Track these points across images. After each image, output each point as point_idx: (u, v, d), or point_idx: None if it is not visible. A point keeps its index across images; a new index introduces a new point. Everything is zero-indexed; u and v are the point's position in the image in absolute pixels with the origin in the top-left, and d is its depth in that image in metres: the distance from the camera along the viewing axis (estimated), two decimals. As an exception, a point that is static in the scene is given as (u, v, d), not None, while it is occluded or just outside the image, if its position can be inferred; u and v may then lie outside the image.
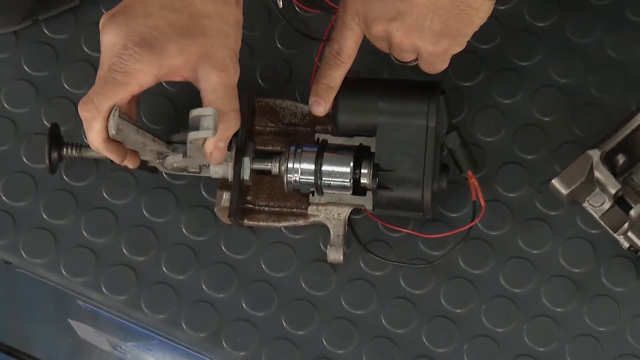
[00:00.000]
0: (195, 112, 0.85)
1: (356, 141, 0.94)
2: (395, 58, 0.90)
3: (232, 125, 0.86)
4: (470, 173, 0.93)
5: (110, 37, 0.82)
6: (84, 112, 0.82)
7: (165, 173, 0.98)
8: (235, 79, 0.86)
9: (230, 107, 0.85)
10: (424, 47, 0.87)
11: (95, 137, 0.83)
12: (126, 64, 0.81)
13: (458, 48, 0.88)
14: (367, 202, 0.93)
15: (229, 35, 0.85)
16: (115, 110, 0.82)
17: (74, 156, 0.94)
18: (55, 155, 0.94)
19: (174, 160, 0.90)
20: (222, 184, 0.95)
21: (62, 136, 0.95)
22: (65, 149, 0.94)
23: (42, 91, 1.00)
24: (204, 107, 0.85)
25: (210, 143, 0.86)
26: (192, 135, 0.85)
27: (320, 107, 0.91)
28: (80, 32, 1.01)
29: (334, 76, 0.90)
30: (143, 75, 0.82)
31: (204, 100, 0.85)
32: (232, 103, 0.85)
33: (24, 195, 0.98)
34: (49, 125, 0.94)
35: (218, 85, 0.84)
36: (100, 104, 0.81)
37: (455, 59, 0.90)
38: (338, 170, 0.90)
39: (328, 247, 0.94)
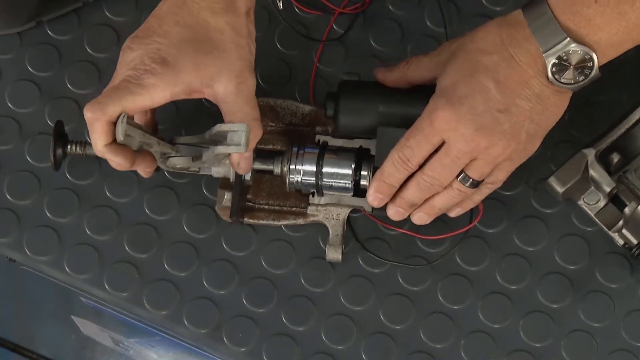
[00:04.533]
0: (224, 127, 0.85)
1: (356, 143, 0.95)
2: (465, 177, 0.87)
3: (256, 135, 0.87)
4: None
5: (129, 56, 0.84)
6: (88, 112, 0.83)
7: (166, 171, 0.99)
8: (253, 89, 0.87)
9: (252, 117, 0.86)
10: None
11: (97, 139, 0.84)
12: (141, 76, 0.83)
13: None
14: (366, 203, 0.93)
15: (243, 47, 0.86)
16: (124, 116, 0.82)
17: (78, 153, 0.95)
18: (60, 152, 0.95)
19: (181, 163, 0.91)
20: (223, 183, 0.96)
21: (67, 134, 0.96)
22: (69, 146, 0.95)
23: (46, 91, 1.01)
24: (226, 120, 0.85)
25: (237, 155, 0.87)
26: (220, 149, 0.86)
27: (382, 202, 0.90)
28: (83, 33, 1.02)
29: (400, 178, 0.87)
30: (156, 89, 0.83)
31: (226, 113, 0.86)
32: (254, 113, 0.86)
33: (28, 194, 0.99)
34: (53, 124, 0.95)
35: (238, 97, 0.85)
36: (106, 107, 0.82)
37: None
38: (339, 172, 0.91)
39: (327, 246, 0.95)
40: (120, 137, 0.82)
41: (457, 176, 0.86)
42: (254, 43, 0.88)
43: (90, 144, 0.95)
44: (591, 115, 1.00)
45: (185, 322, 0.97)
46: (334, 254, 0.95)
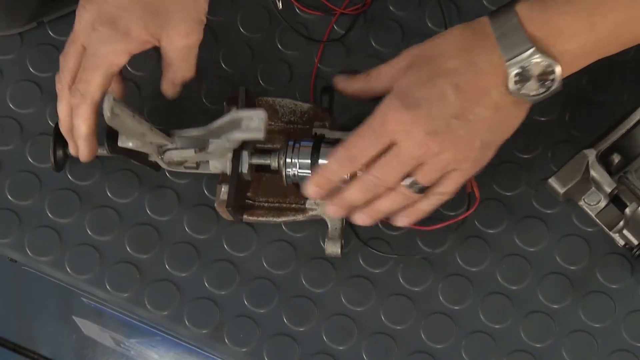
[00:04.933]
0: (242, 114, 0.87)
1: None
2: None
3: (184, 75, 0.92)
4: None
5: (84, 18, 0.88)
6: (74, 99, 0.88)
7: (167, 172, 0.99)
8: (196, 43, 0.90)
9: (188, 73, 0.92)
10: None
11: (82, 123, 0.89)
12: (97, 47, 0.87)
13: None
14: None
15: (189, 7, 0.89)
16: (109, 94, 0.85)
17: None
18: (60, 153, 0.95)
19: (179, 156, 0.91)
20: (222, 179, 0.96)
21: None
22: (70, 147, 0.95)
23: (47, 92, 1.01)
24: (165, 65, 0.91)
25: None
26: (238, 135, 0.88)
27: (320, 195, 0.87)
28: None
29: (342, 175, 0.85)
30: (114, 54, 0.87)
31: (165, 59, 0.90)
32: (190, 69, 0.92)
33: (29, 194, 0.99)
34: (54, 125, 0.95)
35: (182, 46, 0.89)
36: (85, 91, 0.87)
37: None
38: None
39: (326, 240, 0.94)
40: (107, 114, 0.84)
41: (404, 179, 0.84)
42: (206, 3, 0.91)
43: None
44: (592, 116, 1.00)
45: (186, 323, 0.97)
46: (333, 248, 0.94)
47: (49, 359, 1.77)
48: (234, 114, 0.88)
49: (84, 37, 0.89)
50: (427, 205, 0.86)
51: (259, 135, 0.87)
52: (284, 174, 0.92)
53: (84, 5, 0.89)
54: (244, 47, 1.03)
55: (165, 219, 0.99)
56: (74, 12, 1.02)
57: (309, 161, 0.91)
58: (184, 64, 0.91)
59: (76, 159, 0.98)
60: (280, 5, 1.01)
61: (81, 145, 0.91)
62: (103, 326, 1.62)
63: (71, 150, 0.93)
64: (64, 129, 0.92)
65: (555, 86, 0.80)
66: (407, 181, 0.83)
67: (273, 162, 0.92)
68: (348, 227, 0.97)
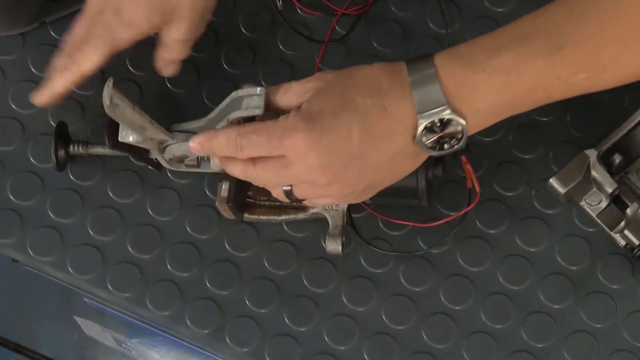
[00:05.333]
0: (241, 92, 0.87)
1: None
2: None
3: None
4: (464, 159, 0.92)
5: (93, 3, 0.92)
6: (65, 60, 0.93)
7: (169, 172, 0.99)
8: (196, 36, 0.93)
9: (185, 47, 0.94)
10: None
11: (60, 82, 0.93)
12: (101, 31, 0.90)
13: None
14: None
15: (198, 4, 0.90)
16: (110, 80, 0.85)
17: (80, 153, 0.96)
18: (62, 152, 0.95)
19: (180, 150, 0.92)
20: (223, 177, 0.96)
21: (69, 134, 0.97)
22: (72, 146, 0.96)
23: (49, 92, 1.02)
24: (159, 44, 0.93)
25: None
26: (237, 114, 0.87)
27: (200, 153, 0.87)
28: None
29: (224, 152, 0.84)
30: (115, 41, 0.91)
31: (161, 41, 0.93)
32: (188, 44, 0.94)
33: (30, 195, 0.99)
34: (55, 125, 0.95)
35: (181, 39, 0.92)
36: (78, 59, 0.92)
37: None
38: None
39: (327, 238, 0.94)
40: (106, 101, 0.84)
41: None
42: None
43: (92, 144, 0.96)
44: (593, 116, 1.00)
45: (188, 323, 0.97)
46: (334, 245, 0.94)
47: (50, 359, 1.77)
48: (234, 94, 0.88)
49: (90, 21, 0.92)
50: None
51: (259, 112, 0.86)
52: None
53: None
54: (245, 48, 1.03)
55: (167, 219, 0.99)
56: (75, 13, 1.02)
57: None
58: (179, 47, 0.93)
59: (78, 159, 0.98)
60: (280, 5, 1.02)
61: (45, 92, 0.94)
62: (104, 326, 1.62)
63: (36, 95, 0.95)
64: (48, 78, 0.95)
65: (459, 145, 0.79)
66: (285, 188, 0.83)
67: None
68: (349, 227, 0.97)
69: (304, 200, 0.85)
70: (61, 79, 0.93)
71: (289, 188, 0.83)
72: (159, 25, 0.91)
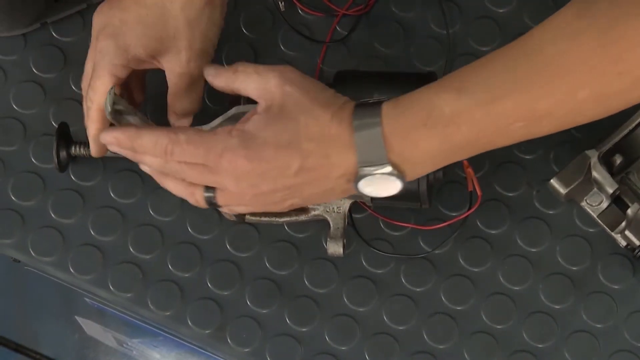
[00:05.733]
0: (243, 109, 0.87)
1: None
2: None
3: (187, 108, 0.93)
4: (465, 162, 0.93)
5: (94, 22, 0.91)
6: (86, 103, 0.91)
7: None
8: (198, 73, 0.90)
9: (192, 95, 0.92)
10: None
11: (91, 125, 0.90)
12: (99, 58, 0.89)
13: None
14: (365, 195, 0.93)
15: (196, 37, 0.88)
16: (111, 89, 0.85)
17: (82, 154, 0.96)
18: (63, 153, 0.95)
19: None
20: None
21: (71, 135, 0.97)
22: (73, 147, 0.96)
23: (50, 93, 1.02)
24: (168, 93, 0.91)
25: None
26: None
27: (109, 145, 0.85)
28: (87, 35, 1.01)
29: (146, 154, 0.83)
30: (114, 67, 0.88)
31: (169, 86, 0.91)
32: (195, 92, 0.92)
33: (32, 195, 1.00)
34: (57, 125, 0.96)
35: (181, 73, 0.90)
36: (93, 97, 0.90)
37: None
38: None
39: (328, 239, 0.94)
40: (108, 108, 0.84)
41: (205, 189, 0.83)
42: (216, 30, 0.91)
43: None
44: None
45: (189, 323, 0.97)
46: (335, 247, 0.94)
47: (51, 359, 1.77)
48: (235, 110, 0.88)
49: (92, 46, 0.91)
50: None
51: None
52: None
53: (96, 13, 0.91)
54: (246, 48, 1.03)
55: (168, 219, 0.99)
56: (77, 14, 1.03)
57: None
58: (185, 94, 0.91)
59: (79, 160, 0.98)
60: (282, 6, 1.02)
61: (91, 143, 0.93)
62: (105, 326, 1.62)
63: (93, 150, 0.94)
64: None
65: (394, 193, 0.80)
66: (207, 194, 0.83)
67: None
68: (350, 227, 0.97)
69: (221, 206, 0.84)
70: (89, 123, 0.91)
71: (210, 195, 0.83)
72: (154, 52, 0.89)
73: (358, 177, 0.79)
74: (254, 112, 0.80)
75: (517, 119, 0.77)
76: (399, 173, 0.78)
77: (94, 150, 0.93)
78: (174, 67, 0.90)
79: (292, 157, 0.79)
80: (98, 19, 0.90)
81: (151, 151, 0.82)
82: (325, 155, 0.79)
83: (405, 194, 0.91)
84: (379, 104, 0.79)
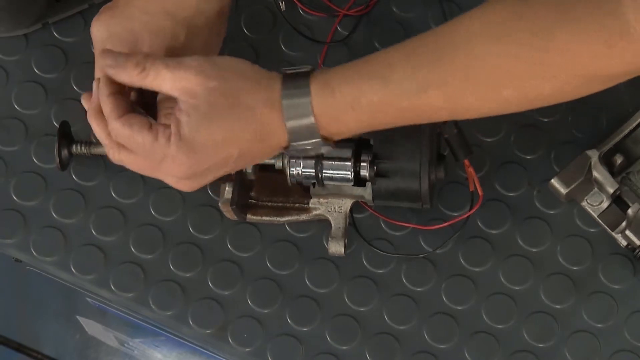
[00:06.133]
0: None
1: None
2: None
3: None
4: (467, 162, 0.93)
5: (95, 33, 0.87)
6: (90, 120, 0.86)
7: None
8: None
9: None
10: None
11: (100, 131, 0.86)
12: (107, 71, 0.83)
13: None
14: (366, 194, 0.94)
15: (201, 47, 0.88)
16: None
17: (83, 153, 0.96)
18: (65, 152, 0.95)
19: None
20: (226, 178, 0.96)
21: (72, 134, 0.97)
22: (75, 146, 0.95)
23: (52, 93, 1.02)
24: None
25: None
26: None
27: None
28: (89, 35, 1.00)
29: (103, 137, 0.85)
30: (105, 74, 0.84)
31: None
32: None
33: (34, 195, 1.00)
34: (59, 125, 0.95)
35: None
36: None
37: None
38: (339, 163, 0.91)
39: (329, 239, 0.94)
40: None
41: None
42: (219, 41, 0.91)
43: (95, 144, 0.96)
44: (595, 117, 1.00)
45: (191, 323, 0.97)
46: (336, 247, 0.94)
47: (52, 359, 1.77)
48: None
49: (97, 53, 0.87)
50: None
51: None
52: (288, 173, 0.92)
53: (96, 24, 0.87)
54: (247, 49, 1.03)
55: (170, 219, 0.99)
56: (78, 14, 1.03)
57: (313, 161, 0.91)
58: None
59: (80, 160, 0.98)
60: (282, 6, 1.02)
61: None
62: (107, 326, 1.62)
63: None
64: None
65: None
66: None
67: (277, 162, 0.93)
68: (351, 227, 0.97)
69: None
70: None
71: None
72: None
73: (290, 148, 0.81)
74: (180, 110, 0.79)
75: (441, 108, 0.79)
76: (327, 142, 0.81)
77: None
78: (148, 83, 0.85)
79: (230, 150, 0.81)
80: (100, 29, 0.87)
81: (96, 129, 0.83)
82: (260, 140, 0.81)
83: (407, 194, 0.91)
84: (307, 81, 0.80)
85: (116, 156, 0.84)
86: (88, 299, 1.22)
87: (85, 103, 0.86)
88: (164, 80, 0.80)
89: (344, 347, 0.97)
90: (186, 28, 0.87)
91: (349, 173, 0.91)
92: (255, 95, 0.80)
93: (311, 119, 0.80)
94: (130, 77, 0.80)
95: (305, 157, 0.91)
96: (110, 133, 0.82)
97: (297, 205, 0.97)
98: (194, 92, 0.79)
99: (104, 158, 0.98)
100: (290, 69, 0.81)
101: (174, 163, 0.81)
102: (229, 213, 0.95)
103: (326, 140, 0.81)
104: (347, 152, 0.91)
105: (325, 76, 0.80)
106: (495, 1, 0.78)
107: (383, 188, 0.92)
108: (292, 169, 0.92)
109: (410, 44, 0.80)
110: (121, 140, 0.82)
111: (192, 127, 0.80)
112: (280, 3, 1.02)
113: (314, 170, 0.91)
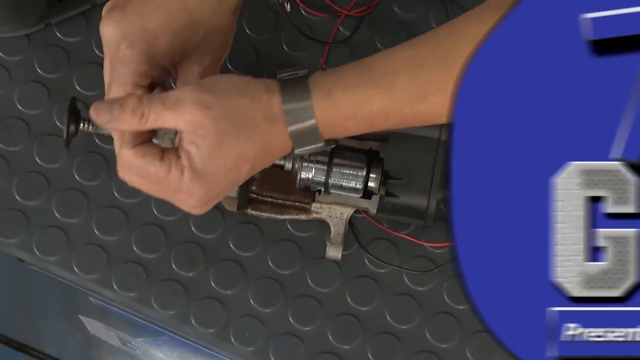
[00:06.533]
0: None
1: (366, 144, 0.95)
2: None
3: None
4: None
5: (108, 33, 0.82)
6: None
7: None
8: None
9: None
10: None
11: (118, 140, 0.83)
12: (124, 67, 0.81)
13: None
14: (371, 205, 0.94)
15: (218, 44, 0.87)
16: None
17: (89, 132, 0.93)
18: (72, 128, 0.93)
19: None
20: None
21: (79, 111, 0.95)
22: (82, 124, 0.92)
23: (55, 93, 1.02)
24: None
25: None
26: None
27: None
28: (91, 35, 1.03)
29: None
30: (139, 76, 0.82)
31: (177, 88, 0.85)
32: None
33: (36, 194, 1.00)
34: (70, 100, 0.92)
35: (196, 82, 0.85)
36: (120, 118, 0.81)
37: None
38: (351, 173, 0.91)
39: (327, 244, 0.95)
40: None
41: None
42: (230, 39, 0.89)
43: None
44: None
45: (193, 322, 0.98)
46: (333, 252, 0.95)
47: (54, 358, 1.78)
48: None
49: (109, 58, 0.84)
50: None
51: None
52: (298, 177, 0.92)
53: (106, 23, 0.83)
54: (249, 49, 1.03)
55: (172, 218, 1.00)
56: (80, 14, 1.03)
57: (326, 167, 0.91)
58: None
59: (83, 160, 0.98)
60: (288, 7, 1.02)
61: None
62: (109, 325, 1.62)
63: None
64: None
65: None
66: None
67: (287, 164, 0.92)
68: (350, 232, 0.97)
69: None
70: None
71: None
72: (179, 58, 0.84)
73: (294, 153, 0.82)
74: (188, 141, 0.78)
75: (442, 115, 0.79)
76: (329, 144, 0.82)
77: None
78: (193, 73, 0.85)
79: (241, 170, 0.81)
80: (112, 29, 0.82)
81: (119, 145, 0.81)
82: (267, 152, 0.81)
83: (413, 211, 0.92)
84: (307, 89, 0.80)
85: (127, 178, 0.83)
86: (90, 299, 1.23)
87: (93, 114, 0.81)
88: (165, 119, 0.78)
89: (346, 347, 0.97)
90: (205, 27, 0.84)
91: (360, 184, 0.91)
92: (256, 112, 0.80)
93: (314, 127, 0.80)
94: (131, 125, 0.79)
95: (318, 162, 0.91)
96: (121, 159, 0.81)
97: (297, 204, 0.97)
98: (199, 124, 0.78)
99: (106, 157, 0.98)
100: (286, 71, 0.82)
101: (188, 195, 0.80)
102: (230, 205, 0.95)
103: (328, 142, 0.82)
104: (360, 163, 0.91)
105: (326, 83, 0.80)
106: (494, 1, 0.78)
107: (390, 204, 0.92)
108: (303, 174, 0.92)
109: (410, 47, 0.80)
110: (133, 169, 0.81)
111: (204, 158, 0.79)
112: (285, 4, 1.02)
113: (324, 177, 0.91)
